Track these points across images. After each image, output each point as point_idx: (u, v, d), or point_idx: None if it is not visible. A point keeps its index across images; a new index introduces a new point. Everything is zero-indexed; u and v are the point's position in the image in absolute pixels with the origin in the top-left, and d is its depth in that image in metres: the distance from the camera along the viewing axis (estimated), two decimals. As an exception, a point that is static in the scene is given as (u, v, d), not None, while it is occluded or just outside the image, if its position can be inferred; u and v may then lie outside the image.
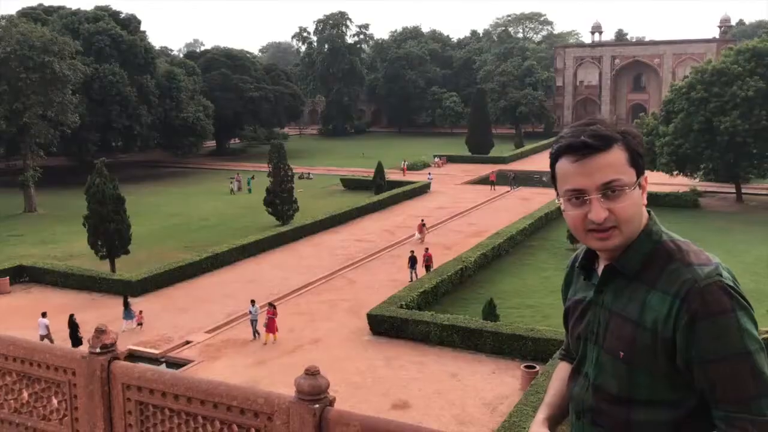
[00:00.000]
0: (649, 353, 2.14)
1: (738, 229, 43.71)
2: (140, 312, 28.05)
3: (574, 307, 2.49)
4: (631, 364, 2.18)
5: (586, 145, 2.17)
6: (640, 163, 2.22)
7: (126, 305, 27.88)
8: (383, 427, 3.15)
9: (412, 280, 32.13)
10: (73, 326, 25.74)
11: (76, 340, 25.38)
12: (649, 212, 2.31)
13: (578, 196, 2.19)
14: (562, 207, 2.28)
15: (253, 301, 27.06)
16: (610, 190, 2.15)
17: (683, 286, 2.09)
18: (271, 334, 25.88)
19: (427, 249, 35.22)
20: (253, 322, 26.42)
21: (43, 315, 26.23)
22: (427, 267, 33.49)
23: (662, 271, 2.17)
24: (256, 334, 26.22)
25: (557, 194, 2.29)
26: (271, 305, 26.66)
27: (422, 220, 43.85)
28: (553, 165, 2.29)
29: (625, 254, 2.24)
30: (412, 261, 33.43)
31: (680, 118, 51.25)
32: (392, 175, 63.40)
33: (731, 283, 2.09)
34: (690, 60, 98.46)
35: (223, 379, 21.62)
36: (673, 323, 2.08)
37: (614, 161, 2.16)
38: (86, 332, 24.85)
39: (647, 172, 2.30)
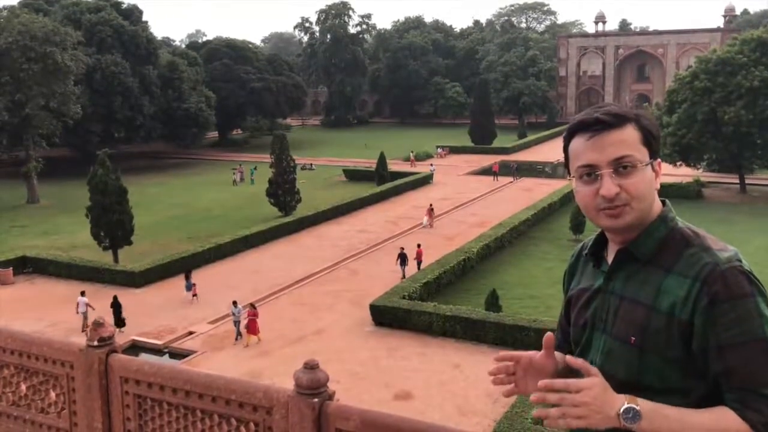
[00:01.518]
0: (662, 338, 2.12)
1: (741, 219, 43.63)
2: (194, 285, 29.61)
3: (578, 295, 2.45)
4: (643, 349, 2.16)
5: (599, 121, 2.18)
6: (653, 144, 2.21)
7: (187, 278, 30.00)
8: (382, 421, 3.12)
9: (403, 278, 31.06)
10: (116, 306, 26.64)
11: (119, 321, 26.24)
12: (664, 201, 2.31)
13: (590, 172, 2.19)
14: (574, 185, 2.28)
15: (235, 302, 26.24)
16: (621, 166, 2.15)
17: (704, 269, 2.07)
18: (253, 336, 25.05)
19: (419, 245, 34.12)
20: (236, 323, 25.64)
21: (82, 294, 27.34)
22: (418, 263, 32.66)
23: (680, 256, 2.15)
24: (239, 336, 25.41)
25: (569, 175, 2.29)
26: (252, 306, 25.91)
27: (431, 205, 44.46)
28: (566, 147, 2.29)
29: (640, 238, 2.22)
30: (402, 258, 32.48)
31: (684, 108, 51.06)
32: (395, 166, 63.34)
33: (748, 269, 2.09)
34: (694, 50, 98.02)
35: (226, 369, 21.74)
36: (691, 306, 2.06)
37: (627, 138, 2.17)
38: (90, 323, 24.95)
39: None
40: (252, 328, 25.06)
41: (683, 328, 2.08)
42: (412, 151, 72.20)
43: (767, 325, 2.01)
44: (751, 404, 1.99)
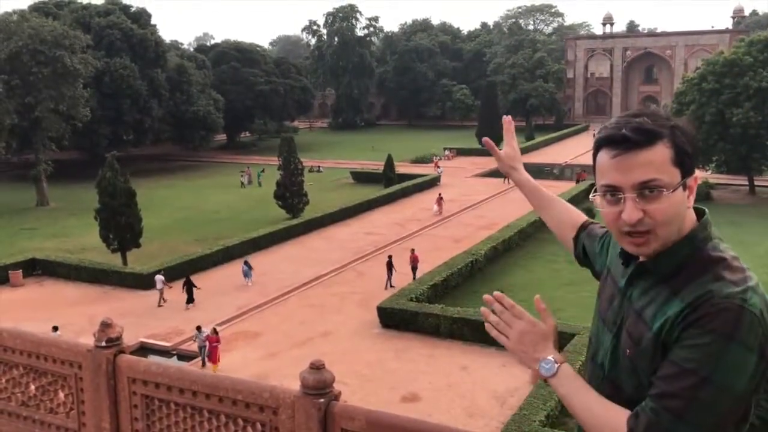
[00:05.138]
0: (648, 357, 2.03)
1: (750, 221, 43.38)
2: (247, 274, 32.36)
3: (606, 278, 2.39)
4: (633, 363, 2.09)
5: (627, 139, 1.99)
6: (686, 162, 2.02)
7: (247, 264, 32.62)
8: (388, 421, 3.13)
9: (387, 288, 30.41)
10: (189, 284, 29.19)
11: (190, 298, 29.18)
12: (703, 214, 2.13)
13: (613, 193, 2.04)
14: (597, 202, 2.12)
15: (198, 327, 24.38)
16: (647, 190, 1.98)
17: (702, 296, 1.93)
18: (213, 365, 23.18)
19: (413, 250, 33.43)
20: (201, 348, 23.90)
21: (159, 272, 30.26)
22: (413, 269, 31.89)
23: (692, 281, 2.00)
24: (204, 364, 23.53)
25: (596, 188, 2.15)
26: (215, 332, 24.24)
27: (440, 194, 46.06)
28: (594, 156, 2.12)
29: (660, 256, 2.08)
30: (390, 266, 31.41)
31: (692, 109, 50.85)
32: (401, 168, 63.31)
33: (756, 312, 1.88)
34: (702, 51, 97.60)
35: (234, 371, 21.75)
36: (677, 328, 1.95)
37: (656, 159, 1.97)
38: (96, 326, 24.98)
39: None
40: (213, 356, 23.39)
41: (663, 349, 1.97)
42: (435, 155, 72.12)
43: (724, 371, 1.84)
44: (643, 415, 1.90)
